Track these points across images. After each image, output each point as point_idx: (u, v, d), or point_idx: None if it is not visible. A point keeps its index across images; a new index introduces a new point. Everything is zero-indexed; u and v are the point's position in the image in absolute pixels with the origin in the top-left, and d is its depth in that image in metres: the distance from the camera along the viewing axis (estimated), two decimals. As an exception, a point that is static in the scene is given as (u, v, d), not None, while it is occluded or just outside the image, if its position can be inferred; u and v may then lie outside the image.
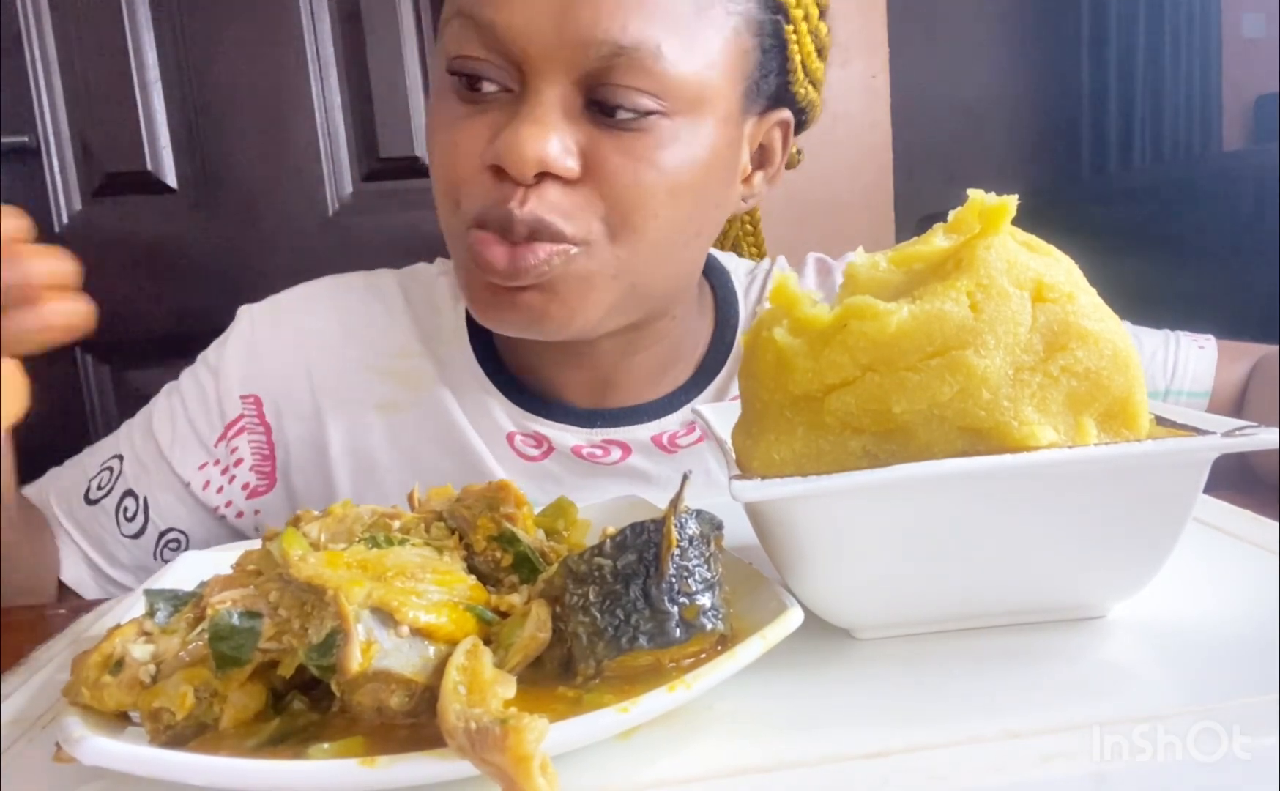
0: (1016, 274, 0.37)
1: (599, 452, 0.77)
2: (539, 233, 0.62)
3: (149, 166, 1.60)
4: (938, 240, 0.40)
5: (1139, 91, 3.51)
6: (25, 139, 1.57)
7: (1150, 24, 3.48)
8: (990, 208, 0.38)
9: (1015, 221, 0.39)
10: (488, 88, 0.63)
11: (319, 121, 1.65)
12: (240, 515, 0.80)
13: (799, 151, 0.83)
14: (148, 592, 0.39)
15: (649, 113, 0.61)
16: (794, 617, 0.36)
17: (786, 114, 0.73)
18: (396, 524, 0.42)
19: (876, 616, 0.40)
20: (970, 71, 3.59)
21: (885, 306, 0.37)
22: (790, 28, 0.69)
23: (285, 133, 1.64)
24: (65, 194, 1.60)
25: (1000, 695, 0.35)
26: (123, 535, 0.77)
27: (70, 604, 0.73)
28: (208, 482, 0.78)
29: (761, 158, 0.74)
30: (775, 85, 0.70)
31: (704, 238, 0.71)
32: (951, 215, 0.40)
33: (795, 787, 0.30)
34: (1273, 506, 0.51)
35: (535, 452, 0.77)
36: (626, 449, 0.77)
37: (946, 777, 0.30)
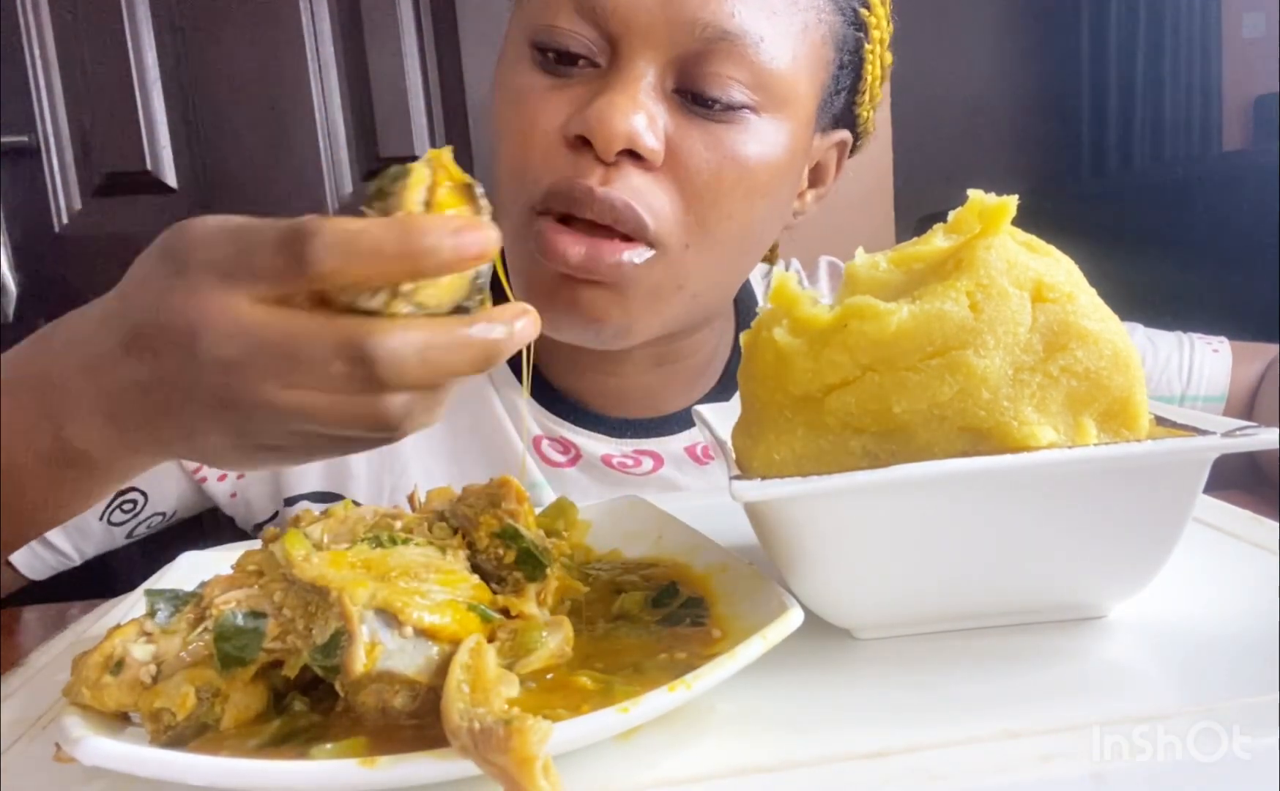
0: (1016, 274, 0.37)
1: (630, 462, 0.76)
2: (620, 219, 0.59)
3: (149, 166, 1.60)
4: (938, 240, 0.40)
5: (1139, 91, 3.51)
6: (25, 139, 1.57)
7: (1150, 24, 3.48)
8: (990, 208, 0.38)
9: (1015, 221, 0.39)
10: (574, 61, 0.61)
11: (319, 121, 1.65)
12: (222, 477, 0.76)
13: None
14: (148, 593, 0.39)
15: (741, 106, 0.60)
16: (794, 617, 0.36)
17: (846, 135, 0.73)
18: (398, 524, 0.42)
19: (876, 616, 0.40)
20: (970, 71, 3.59)
21: (885, 306, 0.37)
22: (869, 48, 0.69)
23: (285, 133, 1.64)
24: (65, 194, 1.60)
25: (1000, 695, 0.35)
26: None
27: (70, 605, 0.72)
28: None
29: (815, 175, 0.73)
30: (843, 104, 0.70)
31: (761, 249, 0.69)
32: (951, 215, 0.40)
33: (795, 787, 0.30)
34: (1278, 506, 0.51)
35: (562, 459, 0.76)
36: (659, 460, 0.76)
37: (946, 777, 0.30)
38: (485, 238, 0.36)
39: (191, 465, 0.75)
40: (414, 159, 0.39)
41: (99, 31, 1.57)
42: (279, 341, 0.36)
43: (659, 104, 0.60)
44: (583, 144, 0.59)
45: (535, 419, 0.76)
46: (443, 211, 0.38)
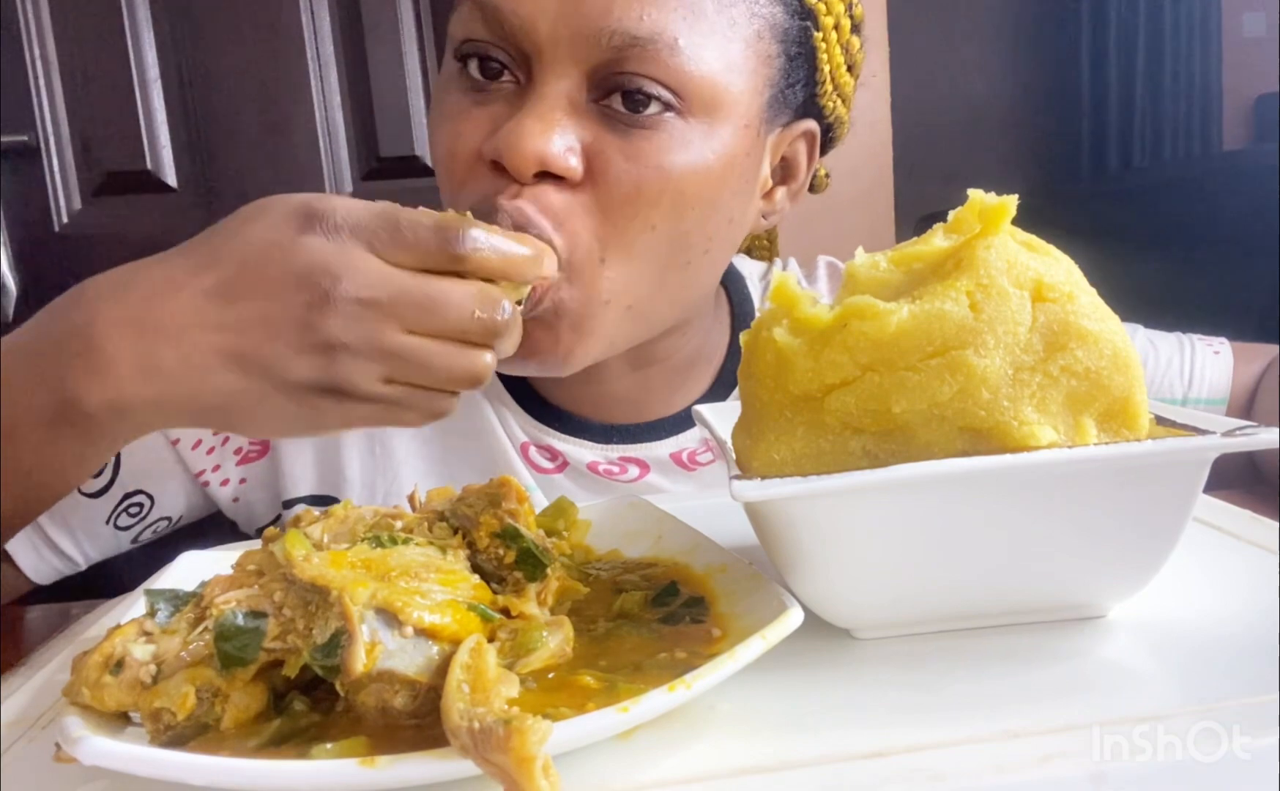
0: (1016, 274, 0.37)
1: (615, 470, 0.76)
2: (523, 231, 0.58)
3: (149, 166, 1.60)
4: (938, 240, 0.40)
5: (1139, 91, 3.51)
6: (25, 139, 1.57)
7: (1150, 24, 3.48)
8: (990, 207, 0.38)
9: (1015, 221, 0.39)
10: (495, 77, 0.60)
11: (319, 121, 1.65)
12: (225, 483, 0.76)
13: (826, 175, 0.80)
14: (148, 592, 0.39)
15: (664, 108, 0.58)
16: (794, 617, 0.36)
17: (812, 125, 0.70)
18: (398, 524, 0.42)
19: (876, 616, 0.40)
20: (970, 71, 3.59)
21: (885, 306, 0.37)
22: (820, 36, 0.66)
23: (285, 133, 1.64)
24: (65, 194, 1.60)
25: (1000, 695, 0.35)
26: (80, 492, 0.72)
27: (70, 605, 0.72)
28: (198, 441, 0.74)
29: (785, 172, 0.71)
30: (802, 97, 0.68)
31: (714, 255, 0.66)
32: (951, 215, 0.40)
33: (795, 787, 0.30)
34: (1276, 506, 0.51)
35: (549, 466, 0.76)
36: (645, 466, 0.76)
37: (946, 777, 0.30)
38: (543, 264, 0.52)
39: (196, 467, 0.75)
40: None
41: (99, 31, 1.57)
42: (422, 291, 0.47)
43: (576, 119, 0.58)
44: (500, 166, 0.58)
45: (522, 426, 0.76)
46: None
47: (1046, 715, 0.33)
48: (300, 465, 0.77)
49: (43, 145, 1.58)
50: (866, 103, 1.69)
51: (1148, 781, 0.30)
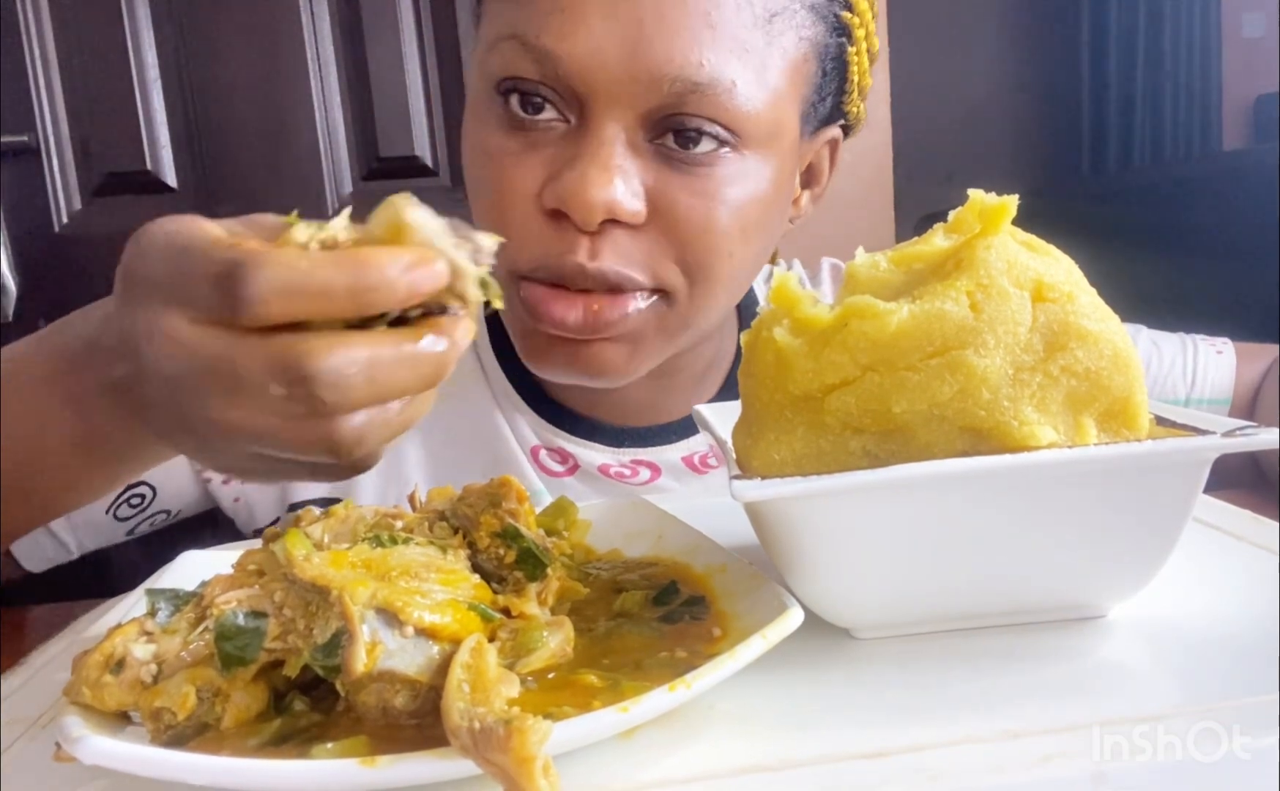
0: (1016, 274, 0.37)
1: (627, 472, 0.75)
2: (618, 286, 0.58)
3: (149, 166, 1.60)
4: (938, 240, 0.40)
5: (1139, 91, 3.51)
6: (25, 139, 1.57)
7: (1150, 24, 3.48)
8: (990, 207, 0.38)
9: (1015, 221, 0.39)
10: (537, 111, 0.58)
11: (319, 121, 1.65)
12: (228, 481, 0.76)
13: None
14: (149, 592, 0.39)
15: (721, 144, 0.58)
16: (794, 617, 0.36)
17: (837, 133, 0.71)
18: (399, 524, 0.42)
19: (876, 616, 0.40)
20: (970, 71, 3.59)
21: (885, 306, 0.37)
22: (852, 50, 0.67)
23: (285, 133, 1.64)
24: (65, 194, 1.60)
25: (1000, 695, 0.35)
26: None
27: (70, 605, 0.72)
28: None
29: (809, 177, 0.71)
30: (830, 106, 0.68)
31: (758, 267, 0.68)
32: (951, 215, 0.40)
33: (795, 787, 0.30)
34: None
35: (560, 468, 0.76)
36: (656, 470, 0.76)
37: (946, 777, 0.30)
38: (437, 273, 0.35)
39: (198, 465, 0.75)
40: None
41: (99, 31, 1.57)
42: (215, 362, 0.34)
43: (634, 160, 0.58)
44: (563, 216, 0.57)
45: (534, 429, 0.76)
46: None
47: (1046, 715, 0.33)
48: None
49: (43, 145, 1.58)
50: (867, 102, 1.70)
51: (1148, 781, 0.30)
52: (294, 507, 0.77)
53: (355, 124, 1.67)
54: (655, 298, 0.60)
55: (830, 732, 0.33)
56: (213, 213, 0.39)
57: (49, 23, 1.56)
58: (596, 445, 0.75)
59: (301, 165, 1.65)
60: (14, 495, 0.50)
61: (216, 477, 0.76)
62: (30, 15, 1.55)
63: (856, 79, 0.69)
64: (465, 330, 0.37)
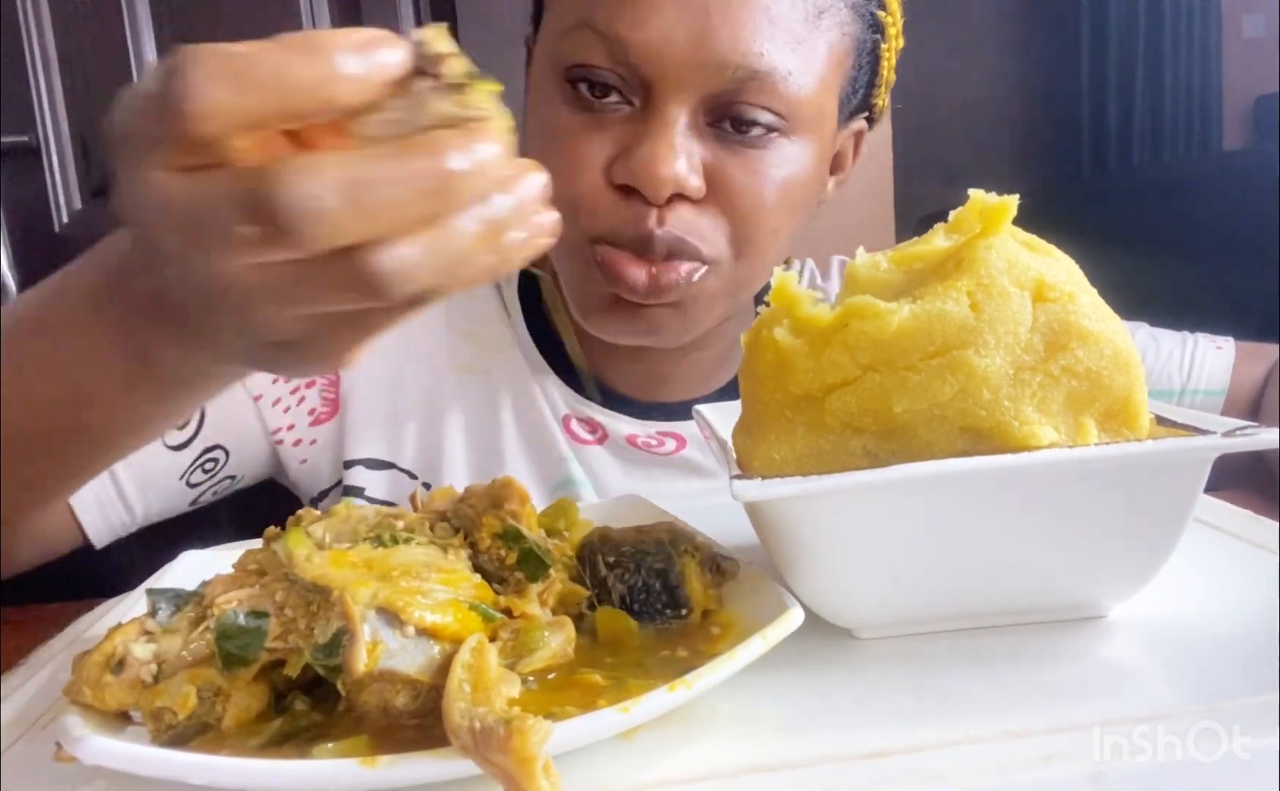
0: (1017, 274, 0.37)
1: (654, 443, 0.79)
2: (678, 252, 0.63)
3: (149, 166, 1.60)
4: (938, 240, 0.40)
5: (1139, 91, 3.51)
6: (25, 139, 1.57)
7: (1150, 24, 3.47)
8: (991, 207, 0.38)
9: (1015, 221, 0.39)
10: (603, 96, 0.63)
11: (319, 121, 1.65)
12: (297, 442, 0.78)
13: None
14: (149, 592, 0.39)
15: (771, 130, 0.63)
16: (794, 617, 0.36)
17: (862, 124, 0.76)
18: (400, 523, 0.42)
19: (876, 616, 0.40)
20: (970, 71, 3.59)
21: (886, 306, 0.37)
22: (884, 45, 0.71)
23: (285, 132, 1.64)
24: (65, 194, 1.60)
25: (1000, 695, 0.35)
26: (165, 443, 0.72)
27: (70, 605, 0.72)
28: (278, 399, 0.77)
29: (835, 164, 0.76)
30: (860, 98, 0.72)
31: (790, 247, 0.74)
32: (952, 215, 0.40)
33: (795, 787, 0.30)
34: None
35: (590, 438, 0.79)
36: (682, 441, 0.79)
37: (946, 777, 0.30)
38: (399, 53, 0.30)
39: (273, 425, 0.77)
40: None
41: (99, 31, 1.57)
42: (191, 209, 0.30)
43: (695, 140, 0.63)
44: (632, 190, 0.62)
45: (565, 400, 0.79)
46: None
47: (1046, 715, 0.33)
48: (366, 427, 0.78)
49: (43, 145, 1.58)
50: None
51: (1148, 781, 0.30)
52: (348, 466, 0.78)
53: (355, 124, 1.67)
54: (707, 268, 0.65)
55: (830, 732, 0.33)
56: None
57: (49, 23, 1.56)
58: (626, 417, 0.79)
59: (301, 165, 1.65)
60: (74, 436, 0.48)
61: (289, 438, 0.77)
62: (30, 15, 1.55)
63: (885, 74, 0.73)
64: (472, 137, 0.30)
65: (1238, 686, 0.34)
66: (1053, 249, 0.40)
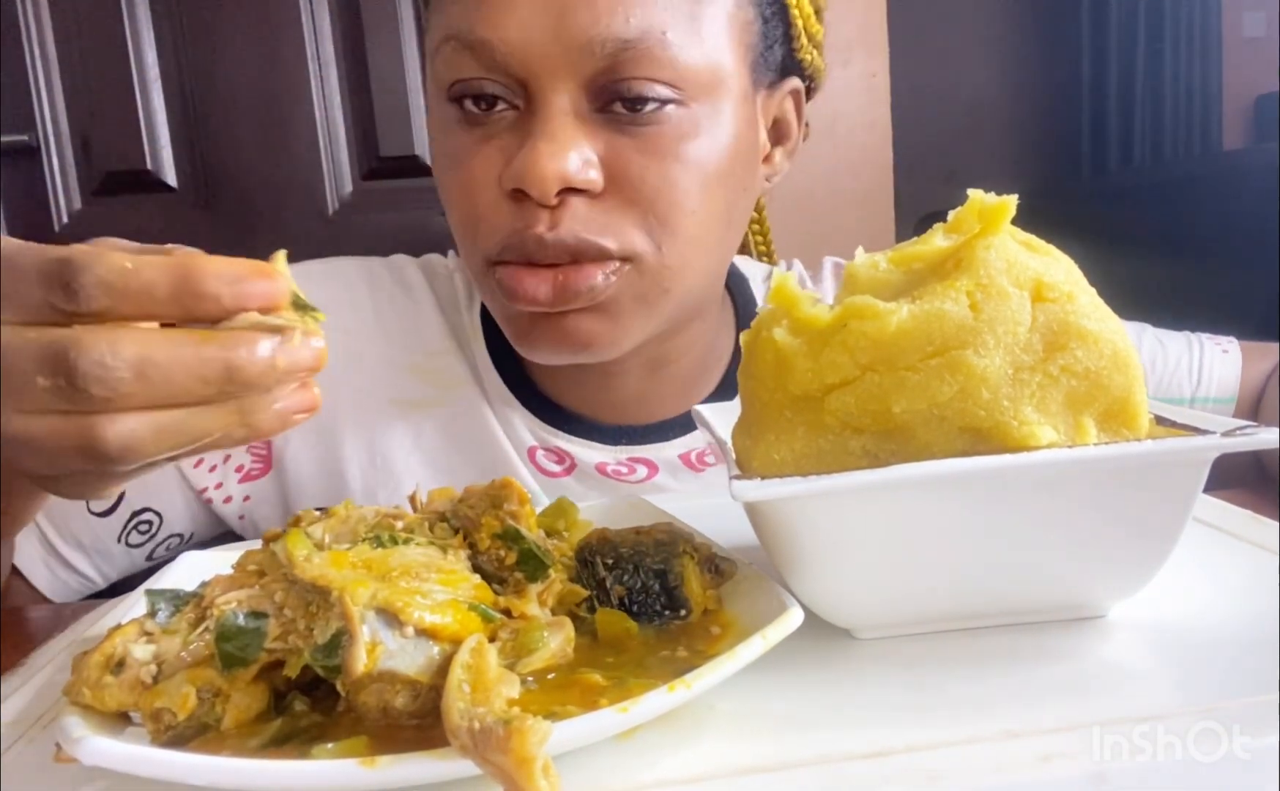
0: (1016, 273, 0.37)
1: (624, 471, 0.75)
2: (581, 254, 0.60)
3: (149, 166, 1.60)
4: (938, 240, 0.40)
5: (1139, 91, 3.51)
6: (25, 139, 1.57)
7: (1150, 24, 3.48)
8: (990, 207, 0.38)
9: (1015, 221, 0.39)
10: (490, 108, 0.61)
11: (319, 121, 1.65)
12: (228, 500, 0.76)
13: (806, 124, 0.80)
14: (149, 592, 0.39)
15: (665, 102, 0.59)
16: (794, 617, 0.36)
17: (796, 82, 0.72)
18: (400, 524, 0.42)
19: (876, 616, 0.40)
20: (970, 71, 3.59)
21: (885, 306, 0.37)
22: None
23: (285, 132, 1.64)
24: (65, 194, 1.60)
25: (1000, 695, 0.35)
26: (90, 511, 0.72)
27: (70, 605, 0.73)
28: (201, 460, 0.73)
29: (778, 133, 0.72)
30: (781, 55, 0.68)
31: (736, 228, 0.68)
32: (951, 215, 0.40)
33: (795, 787, 0.30)
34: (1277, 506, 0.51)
35: (557, 468, 0.75)
36: (653, 467, 0.76)
37: (946, 777, 0.30)
38: (272, 288, 0.35)
39: (198, 484, 0.75)
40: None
41: (99, 31, 1.57)
42: (8, 359, 0.33)
43: (585, 131, 0.59)
44: (523, 195, 0.59)
45: (530, 430, 0.75)
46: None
47: (1046, 715, 0.33)
48: (305, 479, 0.76)
49: (43, 145, 1.58)
50: (866, 102, 1.70)
51: (1148, 781, 0.30)
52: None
53: (355, 124, 1.67)
54: (626, 266, 0.61)
55: (830, 732, 0.33)
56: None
57: (49, 23, 1.56)
58: (593, 444, 0.75)
59: (301, 165, 1.65)
60: None
61: (218, 496, 0.75)
62: (30, 15, 1.55)
63: (802, 25, 0.69)
64: (275, 348, 0.35)
65: (1238, 686, 0.34)
66: (1052, 249, 0.40)
